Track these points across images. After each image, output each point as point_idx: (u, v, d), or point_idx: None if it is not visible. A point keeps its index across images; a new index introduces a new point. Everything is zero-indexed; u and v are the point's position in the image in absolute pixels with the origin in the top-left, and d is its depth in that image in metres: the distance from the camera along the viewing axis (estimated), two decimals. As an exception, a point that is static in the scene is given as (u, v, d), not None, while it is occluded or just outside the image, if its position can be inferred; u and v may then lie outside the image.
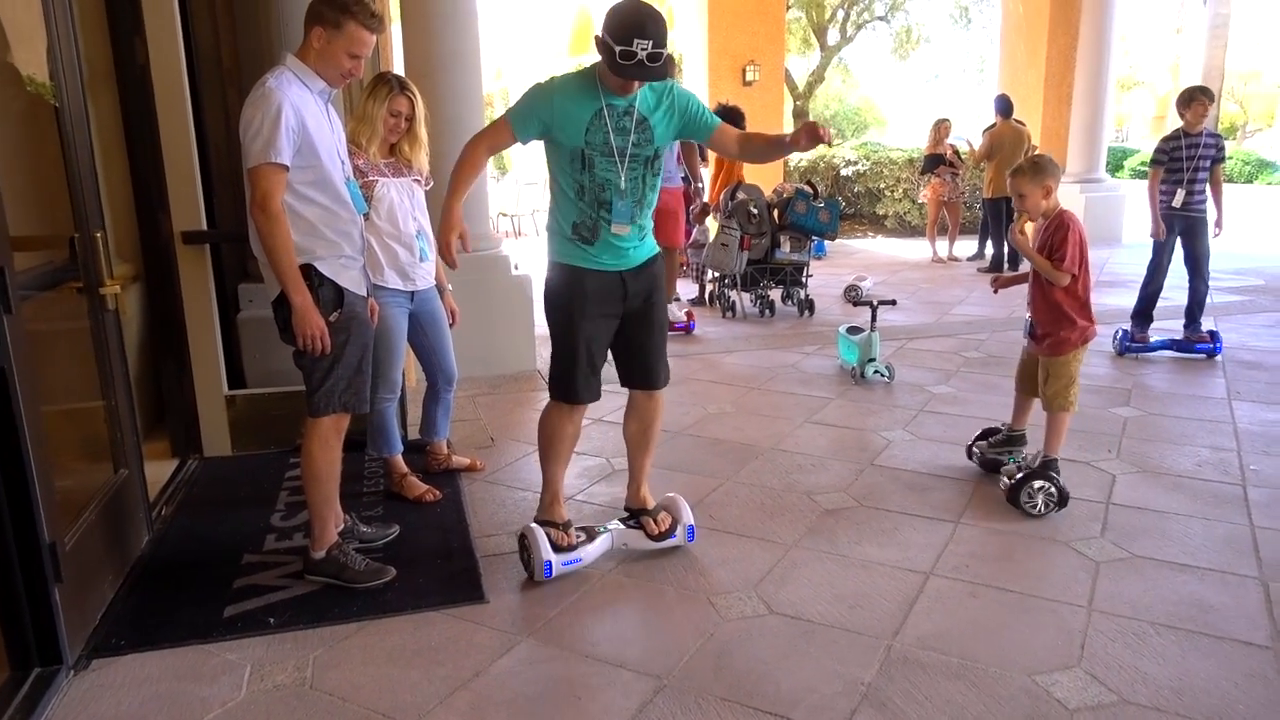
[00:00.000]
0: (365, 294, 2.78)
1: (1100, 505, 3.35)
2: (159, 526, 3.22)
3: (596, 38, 2.53)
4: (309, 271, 2.58)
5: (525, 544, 2.82)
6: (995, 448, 3.66)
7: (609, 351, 2.89)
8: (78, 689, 2.28)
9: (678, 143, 6.08)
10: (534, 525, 2.84)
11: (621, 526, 3.00)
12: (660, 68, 2.48)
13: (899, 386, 5.01)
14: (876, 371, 5.07)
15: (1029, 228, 3.40)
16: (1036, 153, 3.57)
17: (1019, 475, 3.31)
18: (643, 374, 2.92)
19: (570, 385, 2.80)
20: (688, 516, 3.01)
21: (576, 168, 2.62)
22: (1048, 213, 3.28)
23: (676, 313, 6.36)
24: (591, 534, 2.92)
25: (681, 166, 6.72)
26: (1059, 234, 3.24)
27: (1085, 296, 3.32)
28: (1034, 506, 3.24)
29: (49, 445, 2.31)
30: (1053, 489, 3.24)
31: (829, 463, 3.84)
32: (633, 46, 2.41)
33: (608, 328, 2.81)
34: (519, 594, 2.74)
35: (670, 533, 2.97)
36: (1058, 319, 3.32)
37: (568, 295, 2.74)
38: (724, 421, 4.43)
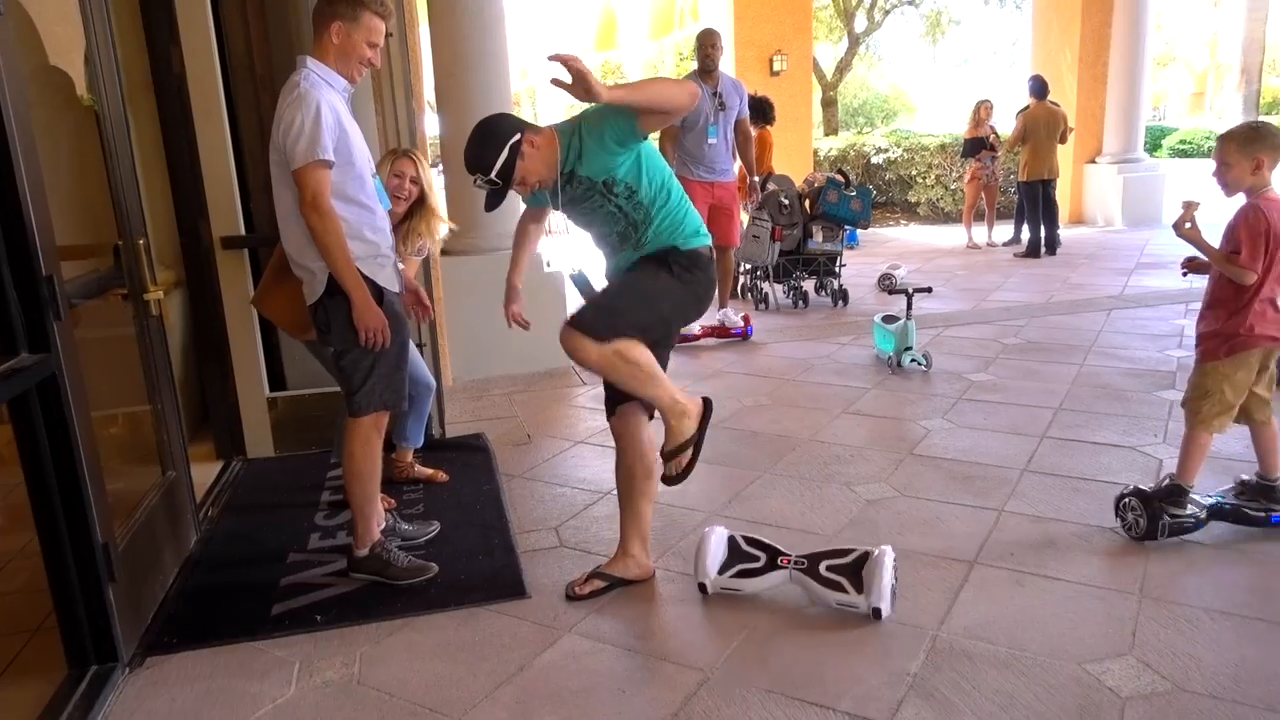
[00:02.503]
0: (399, 290, 2.81)
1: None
2: (206, 527, 3.28)
3: None
4: None
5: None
6: (1246, 499, 2.98)
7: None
8: (133, 686, 2.34)
9: (730, 134, 5.77)
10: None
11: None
12: (507, 180, 2.44)
13: (937, 375, 4.95)
14: (914, 360, 5.02)
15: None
16: (1263, 122, 2.92)
17: (1135, 487, 2.92)
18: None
19: None
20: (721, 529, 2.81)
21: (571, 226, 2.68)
22: (1253, 191, 2.74)
23: (733, 318, 5.98)
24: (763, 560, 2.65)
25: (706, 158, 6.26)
26: (1235, 219, 2.76)
27: (1251, 300, 2.75)
28: (1124, 523, 2.93)
29: (99, 448, 2.36)
30: (1142, 515, 2.85)
31: (868, 453, 3.81)
32: (477, 182, 2.46)
33: None
34: (561, 589, 2.75)
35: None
36: (1211, 320, 2.86)
37: None
38: (760, 414, 4.41)
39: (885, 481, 3.49)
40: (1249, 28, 20.07)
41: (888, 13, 19.89)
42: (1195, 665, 2.23)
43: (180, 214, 3.86)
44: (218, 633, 2.56)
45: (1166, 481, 2.90)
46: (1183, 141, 23.82)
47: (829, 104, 18.82)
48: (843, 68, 19.80)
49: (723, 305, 6.04)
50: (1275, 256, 2.72)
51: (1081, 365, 4.99)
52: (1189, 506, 2.87)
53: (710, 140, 5.61)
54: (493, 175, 2.41)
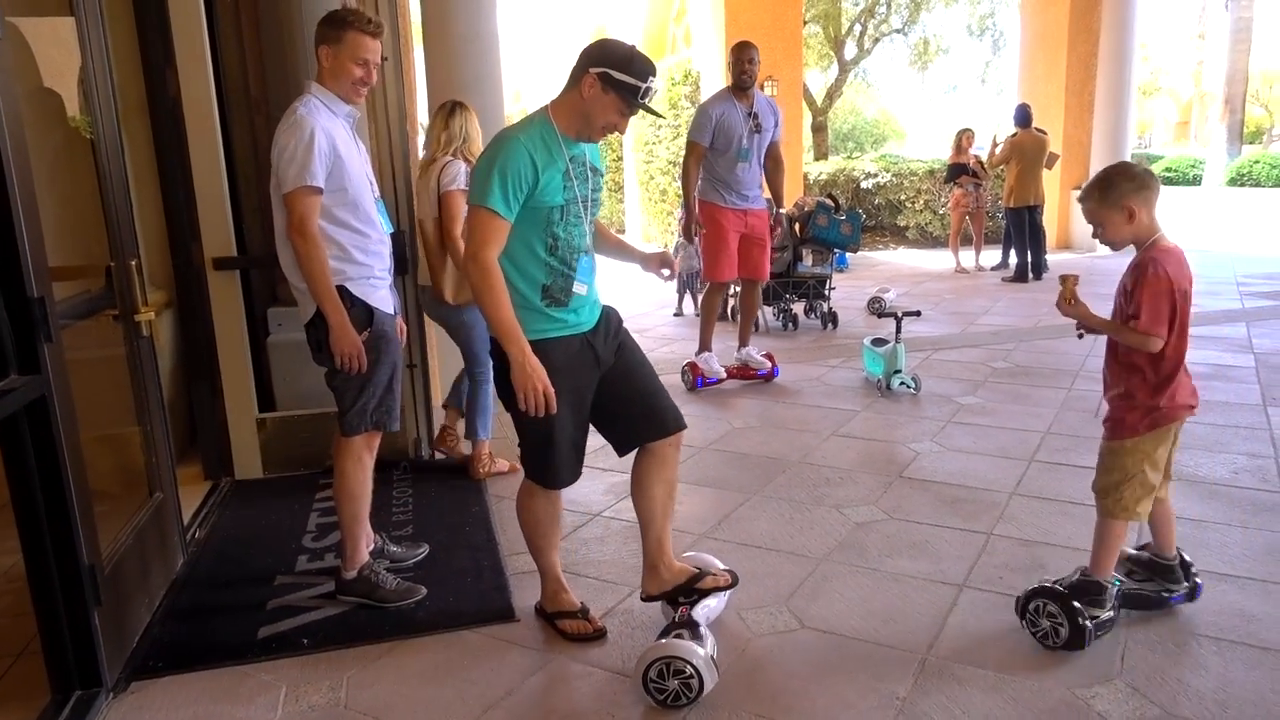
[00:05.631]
0: (393, 312, 2.83)
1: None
2: (193, 549, 3.26)
3: (600, 74, 2.24)
4: (340, 293, 2.62)
5: (669, 668, 2.20)
6: (1139, 579, 2.63)
7: (594, 421, 2.52)
8: (117, 711, 2.31)
9: (763, 159, 5.25)
10: (662, 643, 2.28)
11: (689, 607, 2.48)
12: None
13: (925, 398, 4.98)
14: (902, 383, 5.04)
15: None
16: (1115, 165, 2.49)
17: (1041, 585, 2.49)
18: (654, 418, 2.49)
19: (551, 472, 2.45)
20: (719, 564, 2.66)
21: (555, 218, 2.32)
22: (1139, 241, 2.38)
23: (756, 357, 5.44)
24: (689, 624, 2.38)
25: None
26: (1137, 278, 2.35)
27: (1171, 367, 2.38)
28: (1036, 630, 2.45)
29: (87, 470, 2.35)
30: (1062, 622, 2.39)
31: (857, 475, 3.82)
32: (649, 83, 2.27)
33: (584, 402, 2.45)
34: (550, 612, 2.74)
35: (737, 578, 2.61)
36: (1123, 390, 2.45)
37: None
38: (750, 436, 4.42)
39: (874, 504, 3.50)
40: (1233, 58, 20.40)
41: (877, 40, 20.15)
42: (1183, 690, 2.24)
43: (173, 235, 3.86)
44: (203, 657, 2.54)
45: (1077, 576, 2.49)
46: (1168, 169, 24.08)
47: (819, 129, 19.02)
48: (832, 94, 20.04)
49: (744, 344, 5.48)
50: (1185, 316, 2.35)
51: (1069, 389, 5.03)
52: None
53: (742, 165, 5.10)
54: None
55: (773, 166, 5.40)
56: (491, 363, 2.47)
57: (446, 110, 3.78)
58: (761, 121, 5.15)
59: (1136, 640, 2.47)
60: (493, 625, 2.67)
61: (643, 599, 2.60)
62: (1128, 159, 11.35)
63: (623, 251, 2.74)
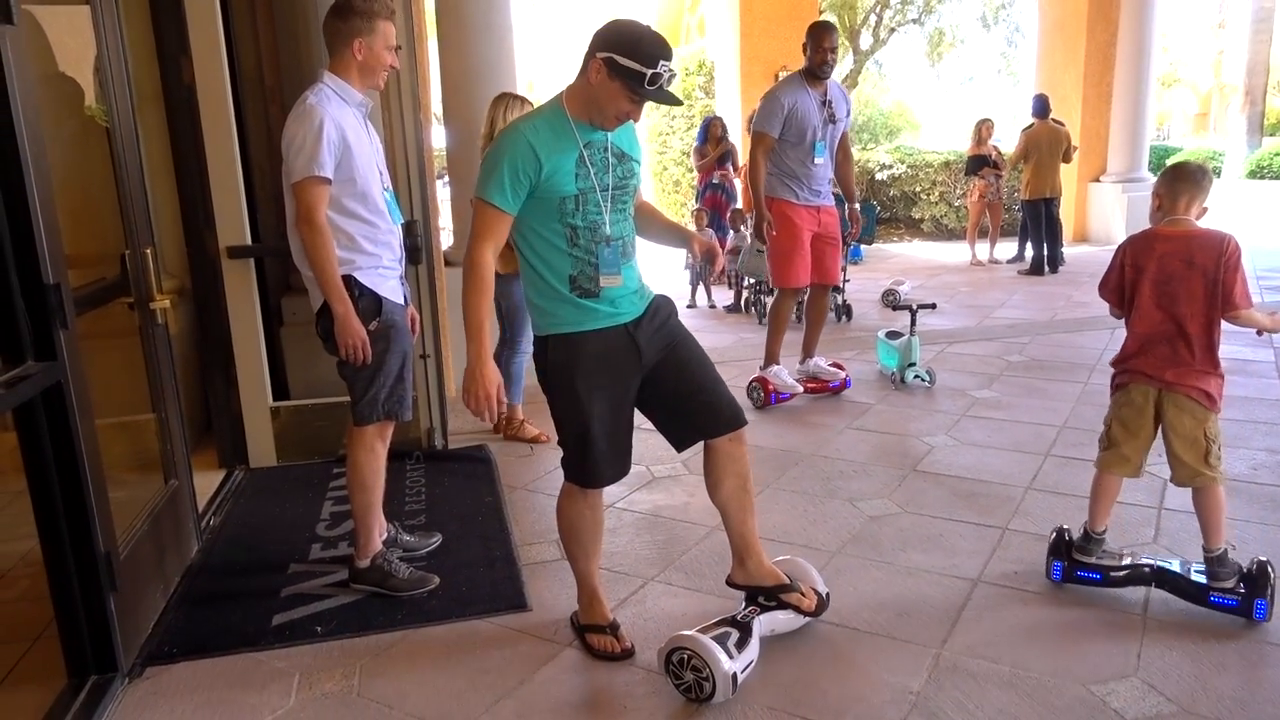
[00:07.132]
0: (404, 302, 2.82)
1: (1152, 510, 3.27)
2: (208, 536, 3.27)
3: (605, 59, 2.11)
4: (349, 282, 2.63)
5: (689, 661, 2.20)
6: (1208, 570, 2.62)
7: (650, 418, 2.48)
8: (132, 696, 2.33)
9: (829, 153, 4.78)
10: (695, 635, 2.23)
11: (758, 612, 2.42)
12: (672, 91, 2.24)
13: (940, 391, 4.94)
14: (917, 376, 5.01)
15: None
16: (1178, 161, 2.74)
17: (1061, 525, 2.76)
18: (709, 415, 2.41)
19: (589, 469, 2.35)
20: (820, 581, 2.59)
21: (569, 209, 2.22)
22: (1157, 224, 2.63)
23: (825, 367, 4.96)
24: (744, 628, 2.33)
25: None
26: None
27: (1132, 337, 2.61)
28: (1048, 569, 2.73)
29: (102, 457, 2.36)
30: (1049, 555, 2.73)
31: (871, 468, 3.80)
32: (660, 69, 2.11)
33: (624, 396, 2.36)
34: (562, 602, 2.73)
35: (826, 605, 2.55)
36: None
37: (568, 368, 2.29)
38: (763, 428, 4.40)
39: (888, 498, 3.48)
40: (1253, 49, 20.17)
41: (893, 31, 20.01)
42: (1202, 687, 2.22)
43: (187, 223, 3.87)
44: (218, 643, 2.55)
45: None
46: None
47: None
48: (848, 84, 19.90)
49: (810, 354, 4.99)
50: (1139, 290, 2.55)
51: (1085, 383, 4.98)
52: (1103, 558, 2.65)
53: (817, 159, 4.62)
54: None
55: (843, 158, 4.95)
56: (531, 335, 2.48)
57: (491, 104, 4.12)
58: (835, 111, 4.69)
59: (1154, 637, 2.45)
60: (505, 615, 2.68)
61: (726, 583, 2.54)
62: (1146, 151, 11.28)
63: (672, 233, 2.64)
